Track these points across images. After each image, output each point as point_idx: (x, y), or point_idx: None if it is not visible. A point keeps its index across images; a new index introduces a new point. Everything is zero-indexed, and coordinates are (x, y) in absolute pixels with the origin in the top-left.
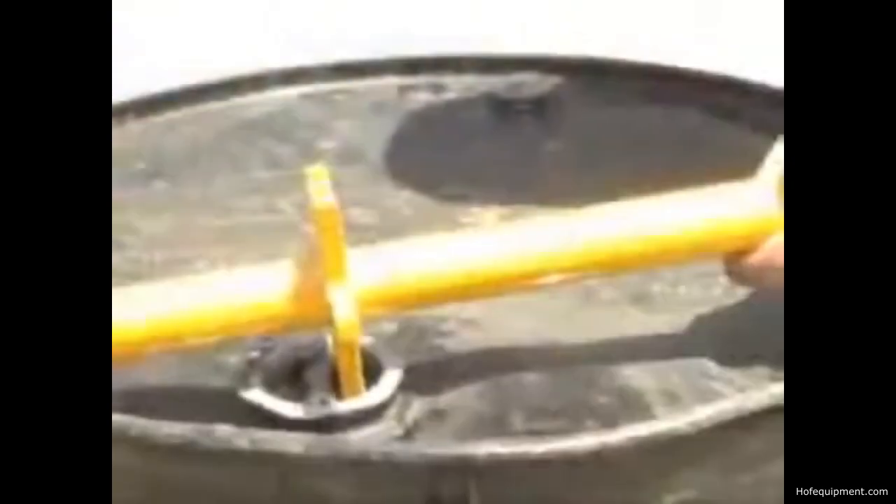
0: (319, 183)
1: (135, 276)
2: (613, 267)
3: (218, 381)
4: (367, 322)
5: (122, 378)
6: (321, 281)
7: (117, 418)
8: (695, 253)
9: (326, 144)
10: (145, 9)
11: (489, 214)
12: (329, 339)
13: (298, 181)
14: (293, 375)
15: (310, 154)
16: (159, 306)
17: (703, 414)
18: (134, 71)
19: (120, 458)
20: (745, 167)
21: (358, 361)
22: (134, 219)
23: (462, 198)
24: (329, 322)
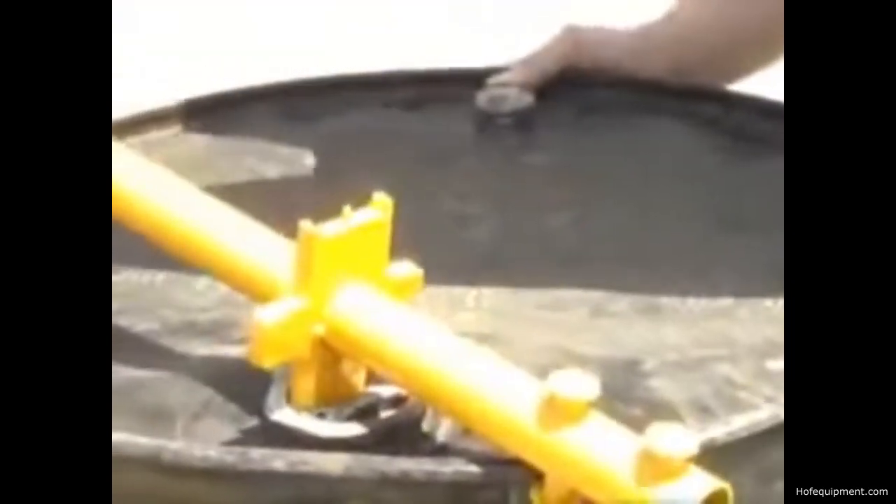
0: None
1: (134, 297)
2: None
3: (243, 402)
4: None
5: (145, 401)
6: None
7: (147, 442)
8: None
9: (310, 161)
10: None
11: (482, 229)
12: None
13: (289, 198)
14: None
15: (295, 172)
16: None
17: (739, 423)
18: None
19: (151, 481)
20: (727, 178)
21: None
22: (132, 239)
23: (453, 212)
24: None
